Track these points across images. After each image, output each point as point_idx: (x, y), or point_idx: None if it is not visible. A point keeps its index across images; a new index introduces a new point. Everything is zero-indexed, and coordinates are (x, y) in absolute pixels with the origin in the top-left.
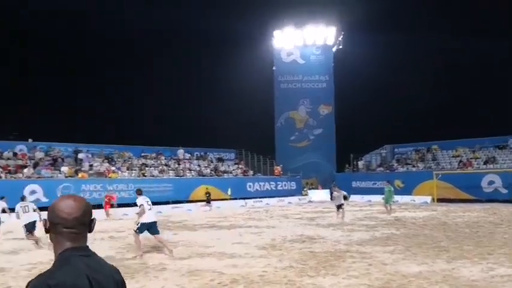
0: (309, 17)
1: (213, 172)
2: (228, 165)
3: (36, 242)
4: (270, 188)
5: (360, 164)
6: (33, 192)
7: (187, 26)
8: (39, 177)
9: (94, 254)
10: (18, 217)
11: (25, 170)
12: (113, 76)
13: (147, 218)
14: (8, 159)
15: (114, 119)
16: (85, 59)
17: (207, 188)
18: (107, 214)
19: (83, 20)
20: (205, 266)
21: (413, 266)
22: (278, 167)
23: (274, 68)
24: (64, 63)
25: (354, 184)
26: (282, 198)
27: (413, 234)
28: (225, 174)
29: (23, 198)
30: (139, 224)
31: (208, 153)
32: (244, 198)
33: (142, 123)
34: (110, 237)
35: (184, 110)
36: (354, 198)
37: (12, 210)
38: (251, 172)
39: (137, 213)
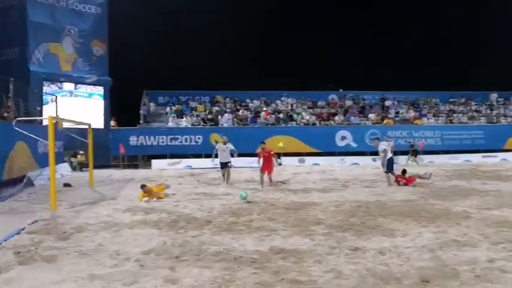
0: None
1: None
2: None
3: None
4: None
5: None
6: (343, 138)
7: None
8: (348, 124)
9: None
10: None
11: (336, 118)
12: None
13: (219, 159)
14: (322, 107)
15: (419, 63)
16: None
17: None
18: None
19: None
20: None
21: None
22: None
23: None
24: None
25: None
26: None
27: None
28: None
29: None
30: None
31: None
32: None
33: (449, 66)
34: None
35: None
36: None
37: None
38: None
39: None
